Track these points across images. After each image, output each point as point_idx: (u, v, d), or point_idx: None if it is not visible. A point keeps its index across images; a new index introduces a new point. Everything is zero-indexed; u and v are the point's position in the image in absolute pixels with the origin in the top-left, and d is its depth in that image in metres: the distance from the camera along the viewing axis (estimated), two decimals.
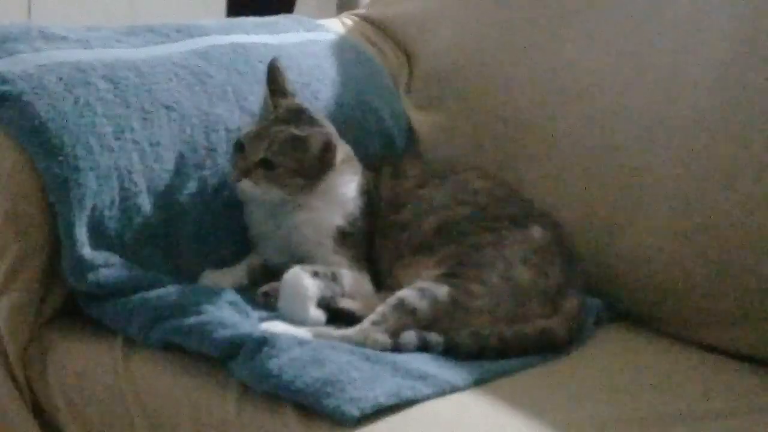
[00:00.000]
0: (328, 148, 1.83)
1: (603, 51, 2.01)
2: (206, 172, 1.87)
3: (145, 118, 1.81)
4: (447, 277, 1.74)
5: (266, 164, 1.80)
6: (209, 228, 1.87)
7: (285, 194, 1.82)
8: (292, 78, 1.97)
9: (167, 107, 1.85)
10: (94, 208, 1.72)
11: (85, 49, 1.86)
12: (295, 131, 1.81)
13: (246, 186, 1.81)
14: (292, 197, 1.83)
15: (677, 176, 1.85)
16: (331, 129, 1.88)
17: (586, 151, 1.98)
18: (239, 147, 1.83)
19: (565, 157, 2.01)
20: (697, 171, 1.83)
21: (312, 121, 1.86)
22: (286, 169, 1.80)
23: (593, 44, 2.03)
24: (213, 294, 1.72)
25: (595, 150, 1.97)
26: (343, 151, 1.87)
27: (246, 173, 1.81)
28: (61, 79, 1.76)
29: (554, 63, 2.07)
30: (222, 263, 1.87)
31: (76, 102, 1.75)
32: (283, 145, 1.80)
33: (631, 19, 2.00)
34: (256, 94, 1.93)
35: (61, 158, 1.70)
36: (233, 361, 1.56)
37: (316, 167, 1.82)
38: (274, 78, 1.90)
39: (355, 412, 1.44)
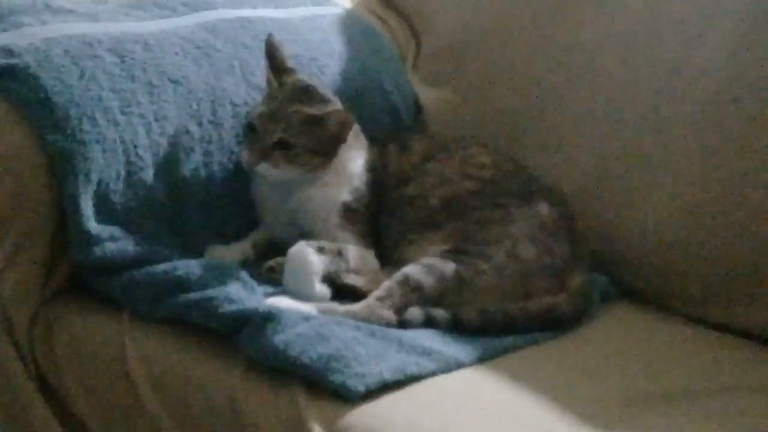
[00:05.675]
0: (345, 125, 1.81)
1: (614, 28, 2.00)
2: (212, 147, 1.87)
3: (151, 92, 1.81)
4: (453, 254, 1.74)
5: (283, 145, 1.79)
6: (215, 202, 1.87)
7: (303, 173, 1.81)
8: (298, 52, 1.96)
9: (174, 81, 1.84)
10: (99, 182, 1.72)
11: (92, 22, 1.85)
12: (310, 110, 1.80)
13: (264, 169, 1.79)
14: (309, 175, 1.82)
15: (686, 155, 1.85)
16: (339, 104, 1.87)
17: (595, 128, 1.98)
18: (250, 129, 1.82)
19: (573, 133, 2.01)
20: (707, 149, 1.82)
21: (322, 98, 1.84)
22: (303, 148, 1.79)
23: (605, 21, 2.02)
24: (219, 269, 1.72)
25: (604, 127, 1.96)
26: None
27: (263, 156, 1.79)
28: (67, 52, 1.76)
29: (564, 39, 2.07)
30: (228, 238, 1.87)
31: (82, 75, 1.75)
32: (299, 124, 1.79)
33: None
34: (263, 69, 1.93)
35: (67, 132, 1.70)
36: (239, 336, 1.56)
37: (331, 144, 1.81)
38: (272, 55, 1.87)
39: (361, 388, 1.45)
